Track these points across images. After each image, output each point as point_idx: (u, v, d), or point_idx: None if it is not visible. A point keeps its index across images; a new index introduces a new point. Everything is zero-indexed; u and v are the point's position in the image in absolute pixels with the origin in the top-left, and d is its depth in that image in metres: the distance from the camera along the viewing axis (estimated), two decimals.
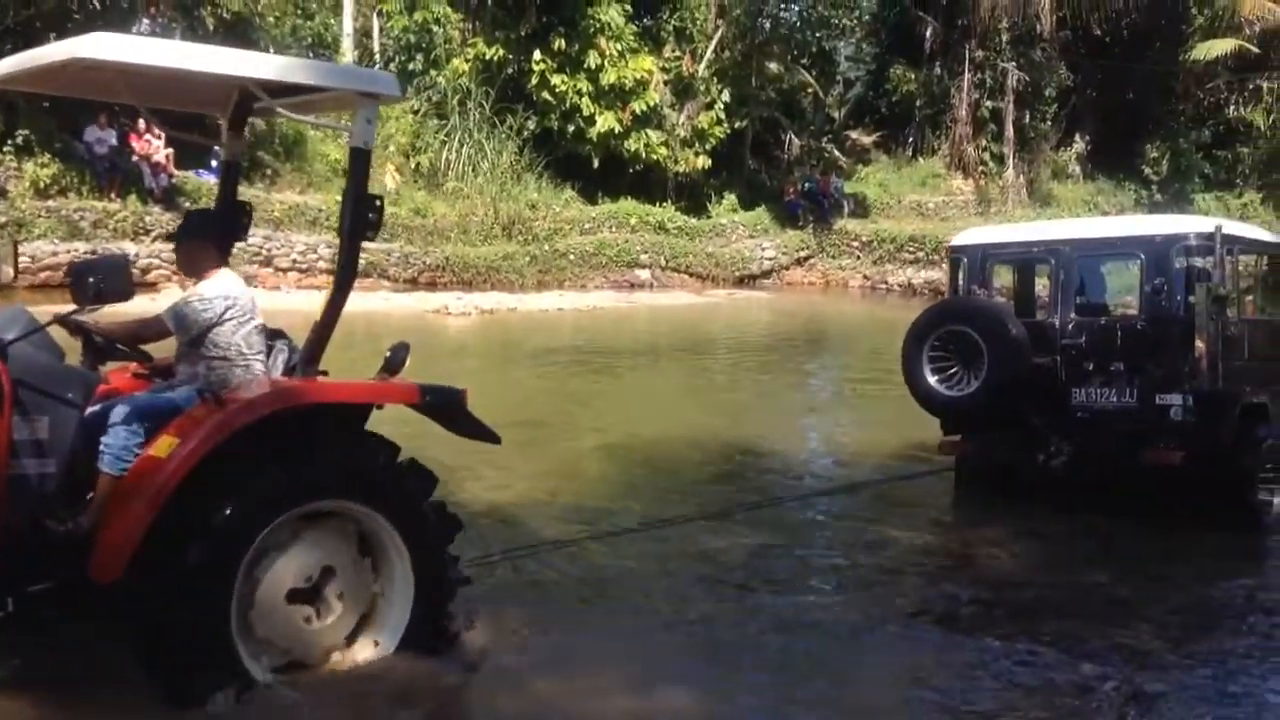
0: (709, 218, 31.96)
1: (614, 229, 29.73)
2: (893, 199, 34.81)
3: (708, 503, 8.73)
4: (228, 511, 4.52)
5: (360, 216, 4.94)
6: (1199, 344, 7.90)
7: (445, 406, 5.33)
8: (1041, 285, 9.55)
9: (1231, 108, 40.31)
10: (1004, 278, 10.08)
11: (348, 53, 29.66)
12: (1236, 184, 40.93)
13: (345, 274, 5.04)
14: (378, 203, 4.99)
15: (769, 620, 6.39)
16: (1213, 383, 8.01)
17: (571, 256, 28.52)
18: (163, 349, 5.26)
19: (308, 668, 4.89)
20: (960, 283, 9.29)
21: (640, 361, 17.88)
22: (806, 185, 33.20)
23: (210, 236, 5.14)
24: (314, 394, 4.96)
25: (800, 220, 32.71)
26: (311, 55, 30.23)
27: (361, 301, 23.09)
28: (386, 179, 27.44)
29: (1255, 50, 37.37)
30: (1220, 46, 36.77)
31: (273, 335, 5.20)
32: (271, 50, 27.68)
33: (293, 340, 5.24)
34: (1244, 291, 9.34)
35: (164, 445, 4.55)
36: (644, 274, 29.44)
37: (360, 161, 5.01)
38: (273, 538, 4.71)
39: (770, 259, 32.06)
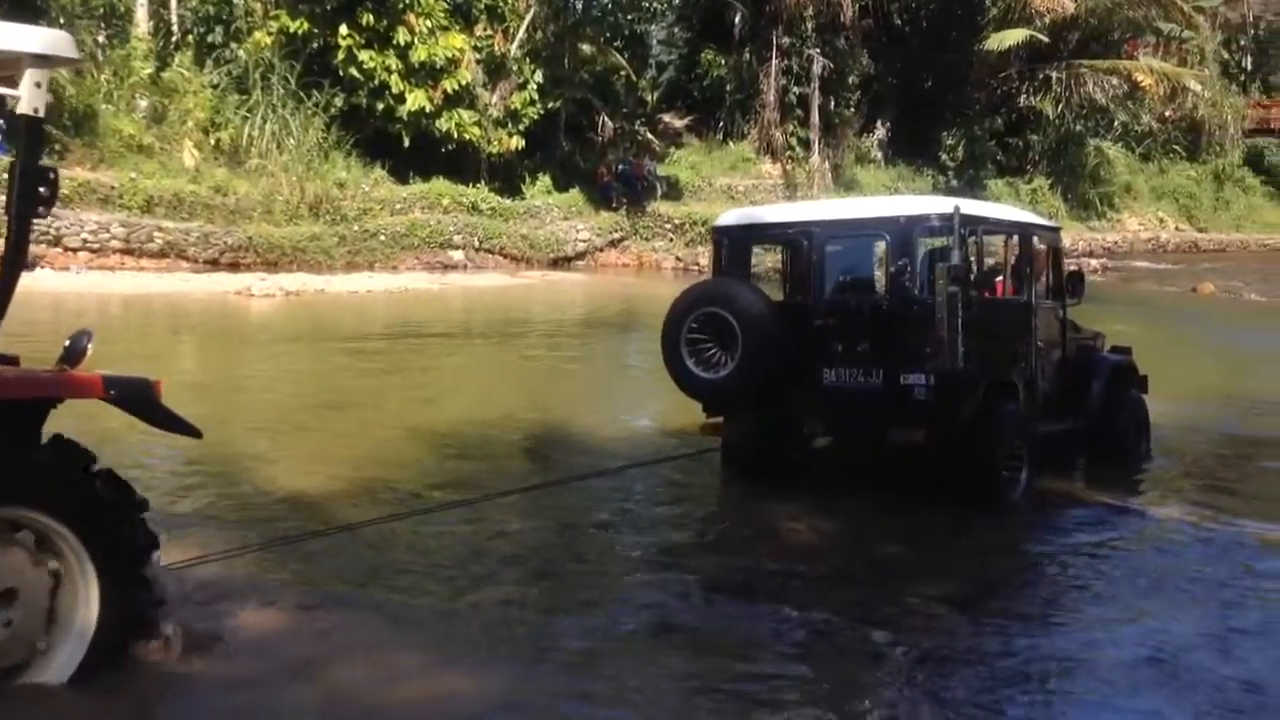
0: (523, 199, 31.78)
1: (426, 209, 29.26)
2: (704, 182, 35.29)
3: (510, 483, 8.68)
4: None
5: (30, 191, 4.50)
6: (939, 324, 7.93)
7: (134, 399, 4.90)
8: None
9: (1023, 97, 42.33)
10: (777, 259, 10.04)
11: (142, 23, 28.48)
12: (1027, 170, 43.07)
13: (15, 254, 4.57)
14: (51, 175, 4.56)
15: (571, 600, 6.42)
16: (953, 363, 8.01)
17: (382, 237, 27.95)
18: None
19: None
20: (723, 264, 9.23)
21: (452, 344, 17.69)
22: (620, 167, 33.34)
23: None
24: None
25: (614, 202, 32.85)
26: (102, 26, 28.86)
27: (158, 283, 22.29)
28: (185, 156, 26.46)
29: (1045, 40, 39.29)
30: (1013, 36, 38.53)
31: None
32: (61, 22, 26.31)
33: None
34: (991, 271, 9.51)
35: None
36: (457, 255, 29.09)
37: (32, 131, 4.55)
38: None
39: (584, 241, 32.11)
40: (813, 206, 11.28)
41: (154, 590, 4.85)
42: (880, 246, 8.73)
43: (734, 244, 9.24)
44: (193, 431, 5.08)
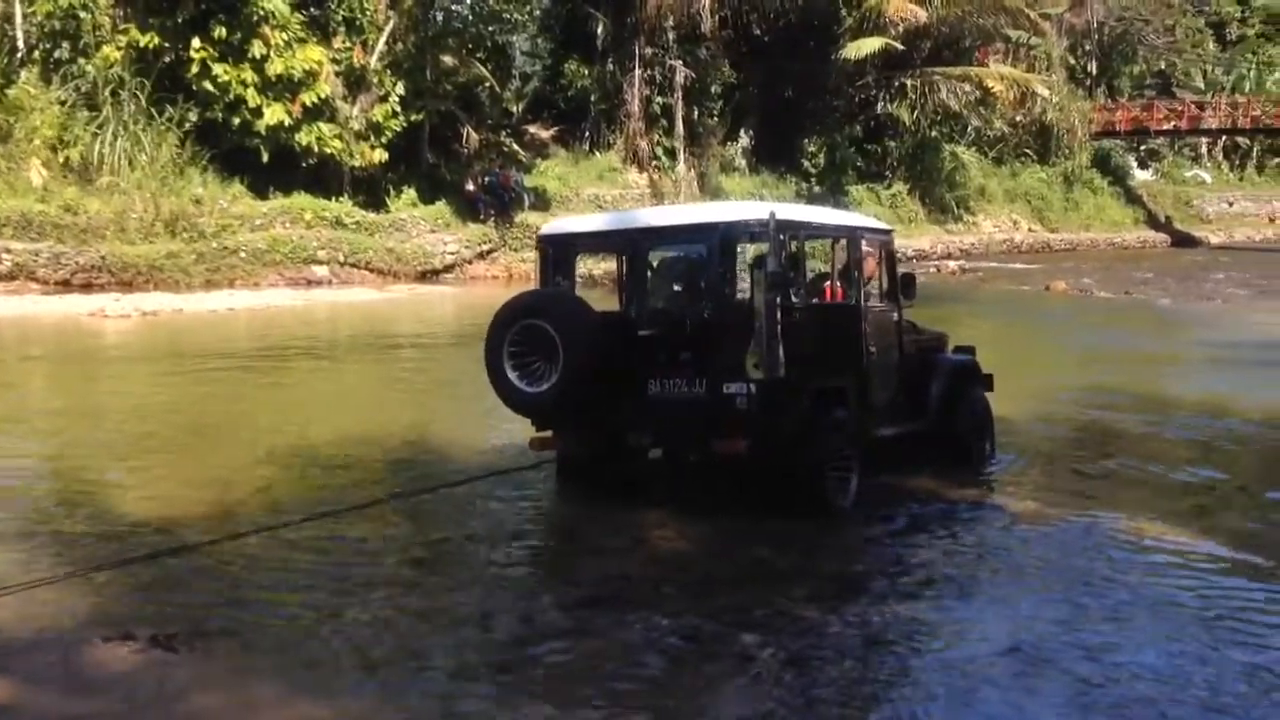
0: (388, 212, 31.42)
1: (288, 225, 28.71)
2: (572, 192, 35.34)
3: (367, 497, 8.53)
4: None
5: None
6: (757, 331, 7.74)
7: None
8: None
9: (880, 104, 43.37)
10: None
11: None
12: (886, 176, 44.09)
13: None
14: None
15: (440, 616, 6.32)
16: (774, 370, 7.81)
17: (242, 254, 27.34)
18: None
19: None
20: (547, 274, 8.98)
21: (316, 362, 17.37)
22: (487, 179, 33.20)
23: None
24: None
25: (481, 214, 32.71)
26: None
27: (6, 306, 21.46)
28: (32, 174, 25.57)
29: (900, 48, 40.30)
30: (868, 45, 39.42)
31: None
32: None
33: None
34: (819, 277, 9.50)
35: None
36: (322, 270, 28.60)
37: None
38: None
39: (453, 253, 31.87)
40: (636, 214, 10.99)
41: None
42: (700, 253, 8.57)
43: (558, 253, 8.99)
44: None
